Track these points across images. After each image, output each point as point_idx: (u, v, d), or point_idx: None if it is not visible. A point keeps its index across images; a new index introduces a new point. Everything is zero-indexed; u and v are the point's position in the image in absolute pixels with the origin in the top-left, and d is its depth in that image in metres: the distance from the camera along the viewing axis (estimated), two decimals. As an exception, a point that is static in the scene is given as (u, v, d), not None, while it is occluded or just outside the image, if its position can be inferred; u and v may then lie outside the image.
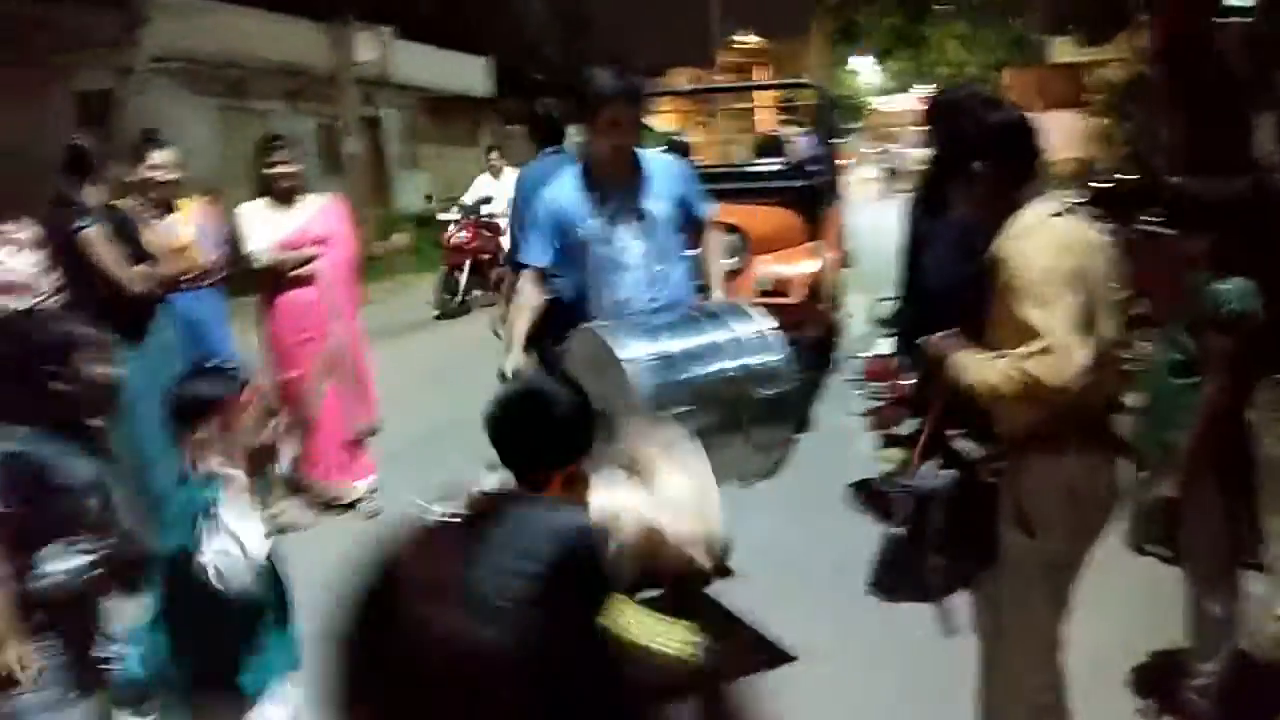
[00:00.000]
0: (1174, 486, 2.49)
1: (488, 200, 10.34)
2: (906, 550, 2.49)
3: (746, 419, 2.94)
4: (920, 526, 2.39)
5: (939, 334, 2.27)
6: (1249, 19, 12.03)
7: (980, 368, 2.08)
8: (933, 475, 2.36)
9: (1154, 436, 2.62)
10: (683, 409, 2.78)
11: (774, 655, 2.95)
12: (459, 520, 0.99)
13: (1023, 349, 1.98)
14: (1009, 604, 2.22)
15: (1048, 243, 2.05)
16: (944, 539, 2.30)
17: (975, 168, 2.15)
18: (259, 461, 2.11)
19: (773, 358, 2.99)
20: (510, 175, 10.01)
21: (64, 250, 3.59)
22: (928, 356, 2.27)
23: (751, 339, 3.01)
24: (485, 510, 0.99)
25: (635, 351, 2.82)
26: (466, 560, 0.78)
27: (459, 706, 0.72)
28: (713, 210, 3.67)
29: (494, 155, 10.84)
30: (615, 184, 3.29)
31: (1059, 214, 2.13)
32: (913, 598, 3.39)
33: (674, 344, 2.93)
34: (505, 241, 9.23)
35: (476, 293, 10.23)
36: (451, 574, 0.76)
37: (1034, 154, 2.21)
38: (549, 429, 1.74)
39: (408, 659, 0.71)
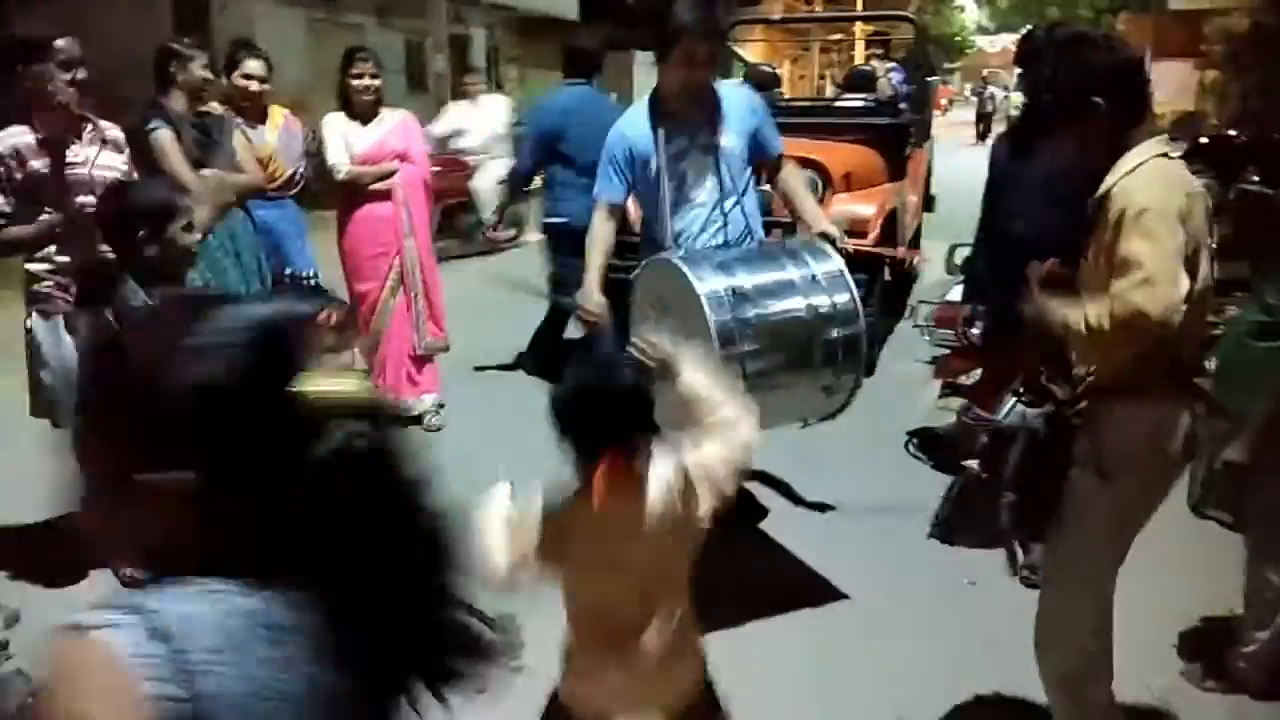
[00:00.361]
0: (1242, 451, 2.42)
1: (460, 133, 8.76)
2: (979, 489, 2.45)
3: (816, 359, 2.92)
4: (998, 464, 2.35)
5: (1048, 262, 2.21)
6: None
7: (1078, 310, 2.03)
8: (1016, 413, 2.31)
9: (1228, 399, 2.53)
10: (752, 346, 2.77)
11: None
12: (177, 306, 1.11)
13: (1124, 281, 1.94)
14: (1072, 549, 2.19)
15: (1156, 181, 2.02)
16: (1023, 478, 2.26)
17: (1093, 104, 2.07)
18: None
19: (845, 299, 2.95)
20: (490, 103, 9.18)
21: (141, 150, 3.68)
22: (1030, 287, 2.19)
23: (825, 278, 2.97)
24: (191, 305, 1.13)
25: (710, 285, 2.81)
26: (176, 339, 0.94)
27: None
28: (786, 146, 3.59)
29: (469, 78, 9.49)
30: (687, 118, 3.25)
31: (1166, 155, 2.08)
32: (976, 542, 3.37)
33: (749, 279, 2.89)
34: (477, 183, 8.71)
35: (442, 243, 8.25)
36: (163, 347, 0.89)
37: (1148, 95, 2.16)
38: (608, 413, 1.73)
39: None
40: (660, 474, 1.74)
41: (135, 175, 3.45)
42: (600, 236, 3.32)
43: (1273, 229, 2.64)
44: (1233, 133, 12.01)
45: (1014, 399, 2.29)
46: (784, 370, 2.85)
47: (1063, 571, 2.22)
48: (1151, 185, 2.01)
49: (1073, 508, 2.15)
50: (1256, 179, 5.45)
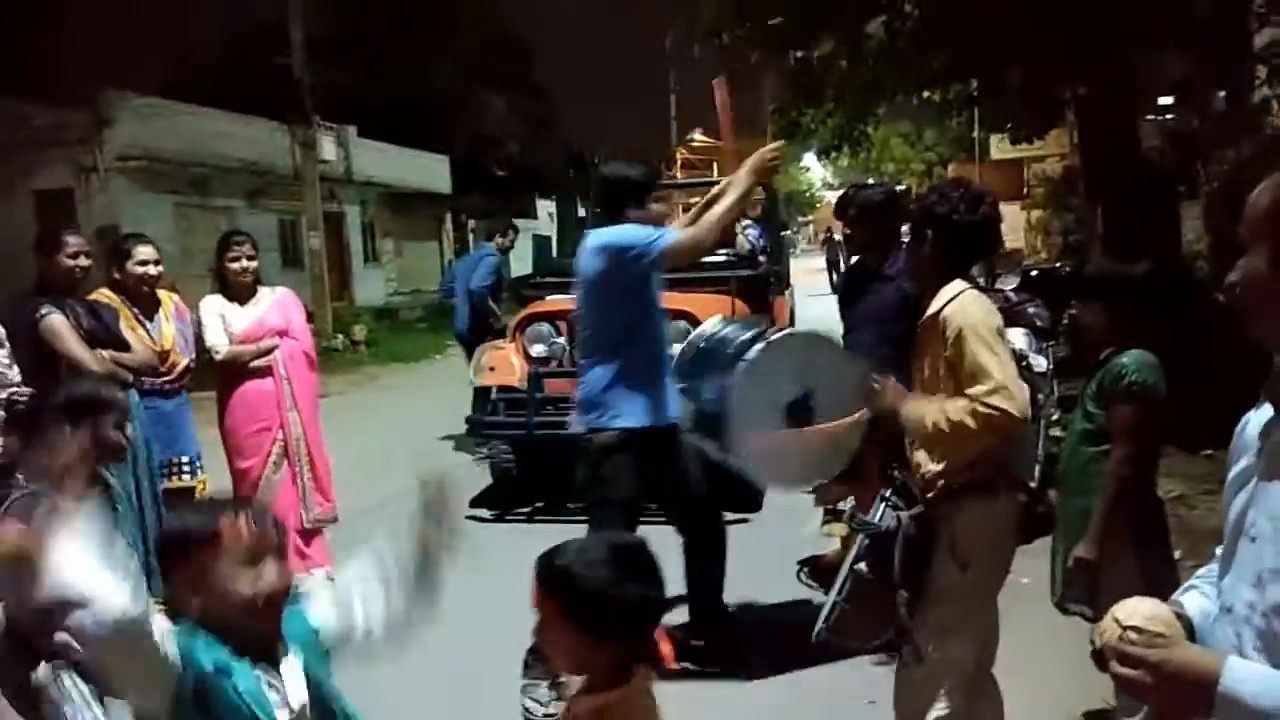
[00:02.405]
0: (1090, 549, 2.64)
1: None
2: (868, 589, 2.61)
3: None
4: (883, 564, 2.52)
5: (887, 381, 2.59)
6: (1170, 115, 12.79)
7: (937, 411, 2.37)
8: (890, 516, 2.50)
9: (1070, 502, 2.79)
10: None
11: None
12: None
13: (978, 389, 2.29)
14: (937, 633, 2.44)
15: (979, 305, 2.43)
16: (903, 573, 2.45)
17: (929, 246, 2.53)
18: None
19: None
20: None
21: (25, 341, 3.66)
22: (879, 404, 2.58)
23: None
24: None
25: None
26: None
27: None
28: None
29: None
30: None
31: (975, 288, 2.50)
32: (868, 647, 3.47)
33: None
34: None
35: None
36: None
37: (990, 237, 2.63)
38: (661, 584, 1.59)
39: None
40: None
41: (15, 371, 3.41)
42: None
43: (1085, 346, 2.99)
44: (1058, 264, 13.23)
45: (883, 503, 2.49)
46: None
47: (929, 647, 2.44)
48: (977, 307, 2.40)
49: (938, 598, 2.42)
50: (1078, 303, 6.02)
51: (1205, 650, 1.23)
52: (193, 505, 1.79)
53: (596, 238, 3.49)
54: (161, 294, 4.38)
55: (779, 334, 3.37)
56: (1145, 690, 1.19)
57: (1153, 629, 1.21)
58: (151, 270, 4.24)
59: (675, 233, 3.48)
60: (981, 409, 2.27)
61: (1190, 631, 1.31)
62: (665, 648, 1.56)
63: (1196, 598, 1.38)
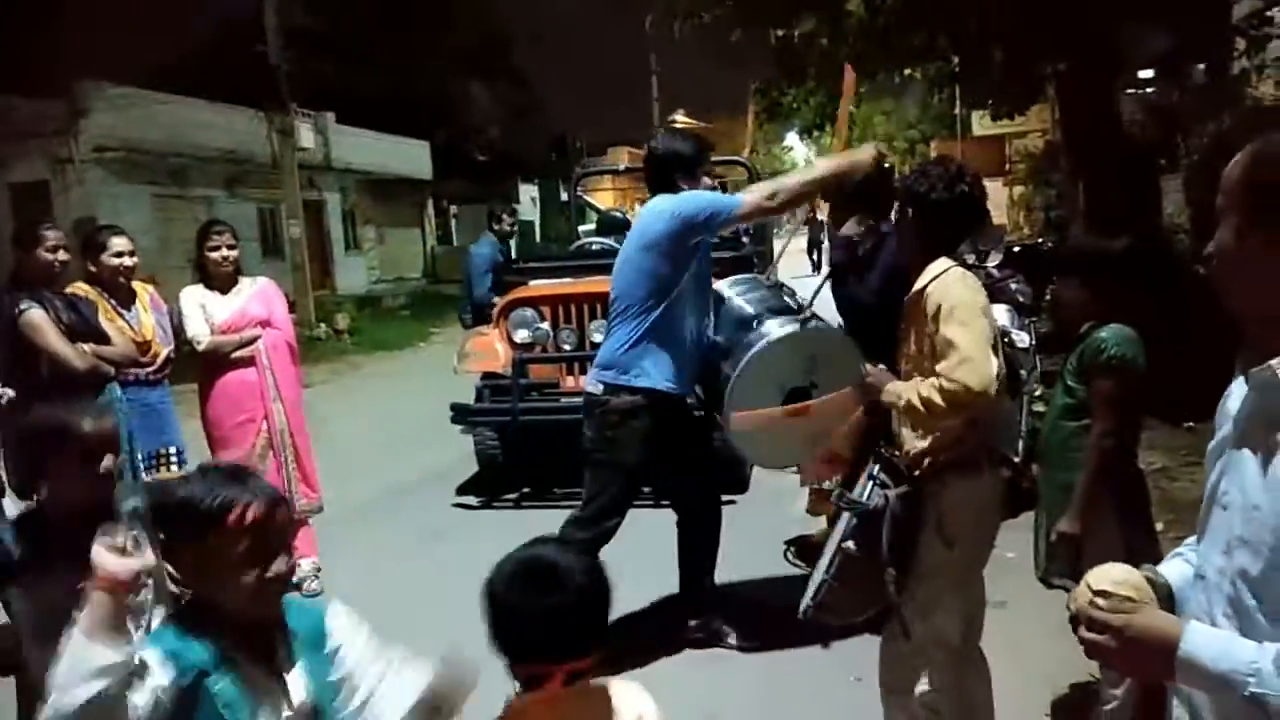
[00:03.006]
0: (1072, 523, 2.67)
1: None
2: (855, 567, 2.63)
3: None
4: (870, 541, 2.53)
5: (875, 367, 2.66)
6: (1150, 89, 12.83)
7: (911, 388, 2.43)
8: (878, 494, 2.52)
9: (1052, 476, 2.81)
10: None
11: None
12: None
13: (944, 364, 2.34)
14: (924, 609, 2.48)
15: (961, 282, 2.46)
16: (891, 550, 2.47)
17: (911, 224, 2.58)
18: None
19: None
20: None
21: (3, 337, 3.64)
22: (866, 387, 2.63)
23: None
24: None
25: None
26: None
27: None
28: None
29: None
30: None
31: (959, 265, 2.54)
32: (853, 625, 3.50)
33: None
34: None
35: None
36: None
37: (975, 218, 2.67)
38: (557, 615, 1.49)
39: None
40: (631, 701, 1.53)
41: None
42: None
43: (1064, 322, 3.01)
44: (1040, 240, 13.29)
45: (870, 481, 2.50)
46: None
47: (914, 620, 2.48)
48: (959, 284, 2.43)
49: (922, 574, 2.46)
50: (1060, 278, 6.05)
51: (1168, 615, 1.24)
52: (201, 479, 1.56)
53: (662, 201, 3.50)
54: (137, 285, 4.35)
55: (798, 326, 3.42)
56: (1109, 654, 1.21)
57: (1121, 593, 1.22)
58: (127, 261, 4.21)
59: (745, 195, 3.56)
60: (946, 384, 2.31)
61: (1169, 598, 1.32)
62: (551, 686, 1.47)
63: (1179, 564, 1.40)
